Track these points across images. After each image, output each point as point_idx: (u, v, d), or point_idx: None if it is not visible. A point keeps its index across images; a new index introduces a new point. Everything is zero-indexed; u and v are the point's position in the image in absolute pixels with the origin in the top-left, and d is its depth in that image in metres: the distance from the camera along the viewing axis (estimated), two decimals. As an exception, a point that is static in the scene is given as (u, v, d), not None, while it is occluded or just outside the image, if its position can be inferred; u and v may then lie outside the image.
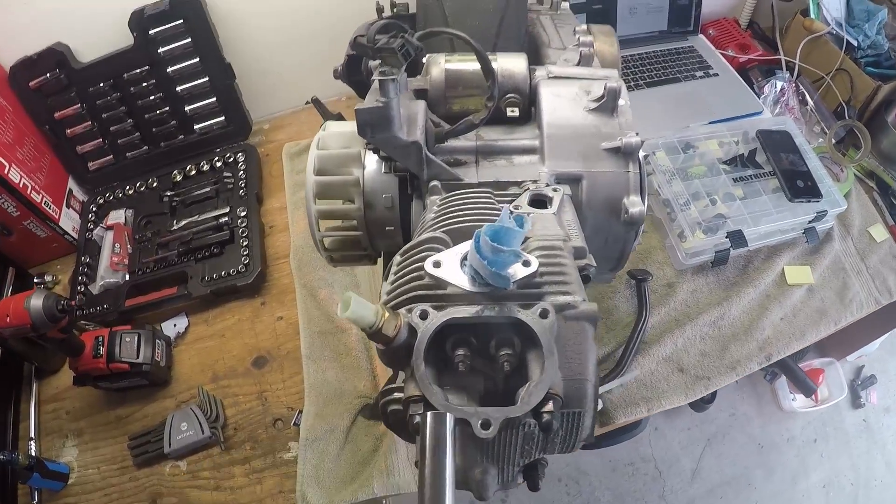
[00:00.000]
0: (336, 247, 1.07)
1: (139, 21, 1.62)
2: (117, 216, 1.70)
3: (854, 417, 3.04)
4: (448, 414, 0.58)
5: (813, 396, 2.85)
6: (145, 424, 1.45)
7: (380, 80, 0.81)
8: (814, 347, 2.95)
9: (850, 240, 1.74)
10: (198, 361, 1.53)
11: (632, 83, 1.95)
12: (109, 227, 1.68)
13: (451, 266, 0.67)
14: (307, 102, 1.94)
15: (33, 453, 1.44)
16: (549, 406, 0.60)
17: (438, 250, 0.71)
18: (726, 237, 1.55)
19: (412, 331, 0.62)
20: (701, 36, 2.15)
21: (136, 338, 1.44)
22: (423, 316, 0.62)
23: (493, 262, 0.61)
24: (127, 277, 1.62)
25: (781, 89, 1.97)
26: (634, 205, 0.93)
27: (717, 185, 1.65)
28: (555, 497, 2.74)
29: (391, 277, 0.74)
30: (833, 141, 1.90)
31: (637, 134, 0.94)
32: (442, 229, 0.76)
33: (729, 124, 1.82)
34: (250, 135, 1.90)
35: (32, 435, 1.47)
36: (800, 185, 1.65)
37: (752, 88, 2.00)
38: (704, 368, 1.50)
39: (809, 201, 1.63)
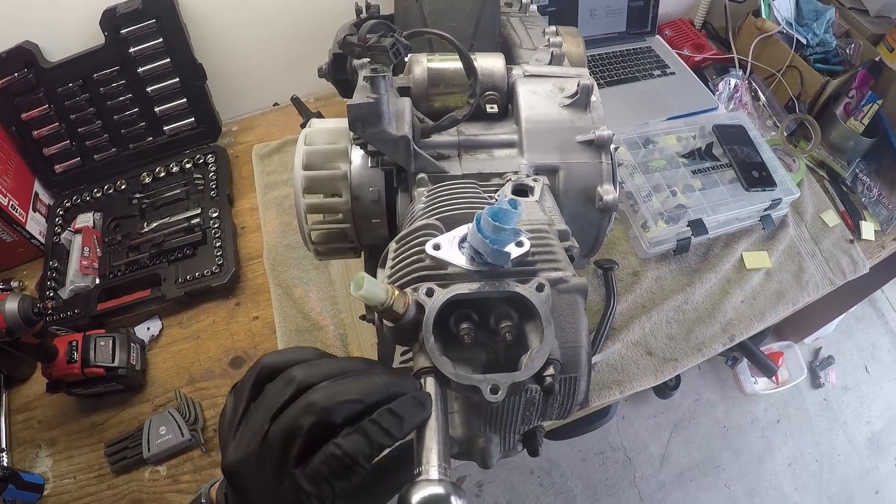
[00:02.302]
0: (322, 240, 1.09)
1: (111, 20, 1.62)
2: (85, 219, 1.69)
3: (814, 397, 3.20)
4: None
5: (774, 379, 2.98)
6: (121, 430, 1.43)
7: (371, 77, 0.85)
8: (772, 332, 3.10)
9: (803, 226, 1.83)
10: (173, 364, 1.52)
11: (593, 82, 1.99)
12: (77, 231, 1.66)
13: (449, 248, 0.71)
14: (275, 104, 1.99)
15: (5, 464, 1.40)
16: (550, 370, 0.64)
17: (434, 235, 0.75)
18: (687, 226, 1.61)
19: (420, 307, 0.65)
20: (658, 37, 2.23)
21: (110, 341, 1.42)
22: (430, 293, 0.66)
23: (494, 240, 0.65)
24: (97, 281, 1.60)
25: (735, 86, 2.06)
26: (608, 192, 0.98)
27: (676, 177, 1.72)
28: (528, 489, 2.79)
29: (389, 263, 0.78)
30: (785, 133, 1.98)
31: (607, 127, 0.99)
32: (434, 217, 0.80)
33: (686, 120, 1.89)
34: (220, 136, 1.90)
35: (4, 446, 1.43)
36: (755, 176, 1.73)
37: (708, 86, 2.08)
38: (672, 351, 1.57)
39: (764, 190, 1.71)
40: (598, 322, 1.54)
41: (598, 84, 2.01)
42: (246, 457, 0.57)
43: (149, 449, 1.35)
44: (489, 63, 1.05)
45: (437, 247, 0.71)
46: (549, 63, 1.13)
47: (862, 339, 3.44)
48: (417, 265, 0.72)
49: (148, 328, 1.57)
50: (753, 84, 2.10)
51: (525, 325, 0.68)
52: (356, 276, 0.61)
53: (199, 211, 1.69)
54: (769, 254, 1.75)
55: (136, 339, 1.51)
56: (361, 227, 1.05)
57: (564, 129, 1.00)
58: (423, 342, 0.64)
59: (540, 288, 0.67)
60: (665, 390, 2.92)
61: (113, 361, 1.40)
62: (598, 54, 2.10)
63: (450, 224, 0.77)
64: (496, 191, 0.91)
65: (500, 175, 0.96)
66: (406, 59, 1.07)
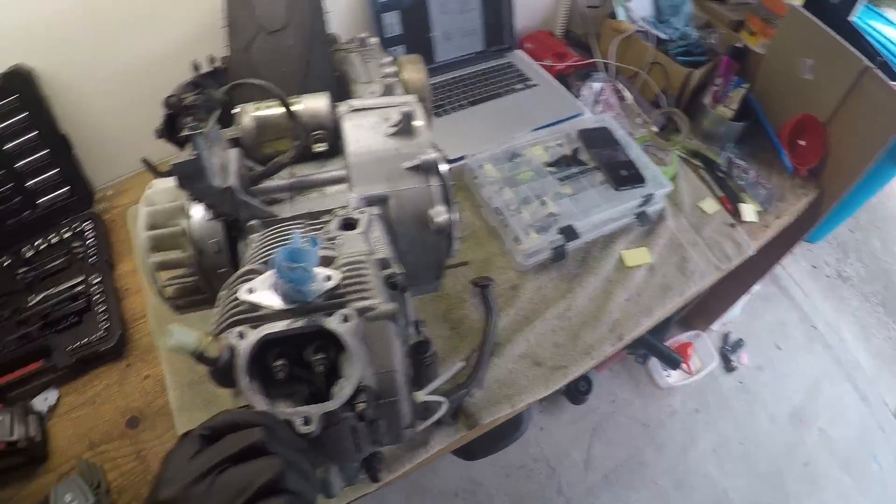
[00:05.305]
0: (178, 294, 1.11)
1: (-27, 100, 1.62)
2: (-28, 300, 1.67)
3: (730, 381, 3.25)
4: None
5: (686, 368, 3.02)
6: (30, 503, 1.42)
7: (189, 135, 0.88)
8: (679, 324, 3.15)
9: (682, 217, 1.87)
10: (73, 432, 1.51)
11: (456, 104, 2.05)
12: (-35, 312, 1.65)
13: (263, 290, 0.74)
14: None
15: None
16: (362, 397, 0.67)
17: (252, 279, 0.78)
18: (559, 233, 1.64)
19: (234, 351, 0.68)
20: (518, 51, 2.28)
21: (7, 416, 1.41)
22: (242, 336, 0.69)
23: (290, 279, 0.69)
24: (-10, 359, 1.59)
25: (600, 89, 2.11)
26: (439, 214, 1.01)
27: (545, 186, 1.76)
28: (456, 514, 2.78)
29: (216, 310, 0.80)
30: (654, 129, 2.04)
31: (437, 150, 1.03)
32: (259, 261, 0.83)
33: (551, 129, 1.93)
34: (94, 203, 1.91)
35: None
36: (623, 175, 1.77)
37: (572, 93, 2.13)
38: (560, 358, 1.57)
39: (634, 188, 1.75)
40: (481, 340, 1.56)
41: (462, 105, 2.05)
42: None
43: (55, 518, 1.35)
44: (313, 103, 1.08)
45: (251, 290, 0.74)
46: (382, 94, 1.17)
47: (770, 318, 3.51)
48: (233, 310, 0.75)
49: (45, 399, 1.55)
50: (618, 85, 2.16)
51: (340, 356, 0.72)
52: (168, 327, 0.63)
53: (81, 278, 1.69)
54: (649, 249, 1.77)
55: (34, 411, 1.50)
56: (211, 278, 1.06)
57: (390, 157, 1.03)
58: (238, 383, 0.67)
59: (345, 319, 0.71)
60: (577, 396, 2.96)
61: (12, 435, 1.39)
62: (459, 76, 2.15)
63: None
64: (322, 228, 0.94)
65: (329, 211, 0.99)
66: (236, 111, 1.10)
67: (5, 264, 1.77)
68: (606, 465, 2.94)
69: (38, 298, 1.67)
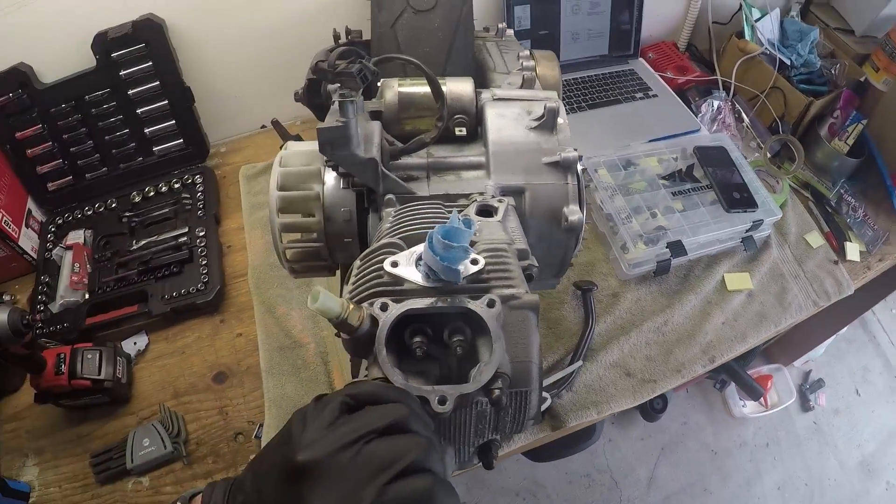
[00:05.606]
0: (297, 258, 1.12)
1: (102, 43, 1.65)
2: (76, 236, 1.72)
3: (804, 420, 3.16)
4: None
5: (763, 402, 2.95)
6: (107, 442, 1.45)
7: (340, 102, 0.88)
8: (761, 355, 3.08)
9: (787, 247, 1.82)
10: (158, 378, 1.54)
11: (575, 105, 2.03)
12: (69, 247, 1.69)
13: (407, 265, 0.74)
14: (263, 126, 2.02)
15: (-8, 472, 1.42)
16: (499, 383, 0.66)
17: (395, 254, 0.77)
18: (666, 247, 1.61)
19: (374, 321, 0.68)
20: (641, 59, 2.25)
21: (97, 355, 1.44)
22: (384, 308, 0.69)
23: (444, 257, 0.68)
24: (87, 296, 1.63)
25: (718, 108, 2.07)
26: (573, 213, 1.00)
27: (657, 199, 1.73)
28: (513, 513, 2.76)
29: (352, 279, 0.80)
30: (768, 155, 1.99)
31: (575, 149, 1.01)
32: (398, 236, 0.83)
33: (668, 142, 1.90)
34: (208, 157, 1.94)
35: (-9, 454, 1.45)
36: (736, 197, 1.73)
37: (690, 108, 2.09)
38: (651, 372, 1.56)
39: (745, 211, 1.71)
40: (577, 343, 1.55)
41: (581, 107, 2.04)
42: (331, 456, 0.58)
43: (132, 460, 1.37)
44: (458, 87, 1.08)
45: (395, 264, 0.74)
46: (521, 86, 1.16)
47: (853, 361, 3.41)
48: (376, 281, 0.75)
49: (135, 343, 1.59)
50: (737, 105, 2.11)
51: (478, 340, 0.71)
52: (313, 290, 0.63)
53: (186, 230, 1.72)
54: (751, 275, 1.74)
55: (122, 353, 1.53)
56: (335, 246, 1.07)
57: (531, 150, 1.02)
58: (376, 354, 0.67)
59: (490, 304, 0.70)
60: (652, 413, 2.91)
61: (99, 374, 1.42)
62: (581, 77, 2.13)
63: (413, 243, 0.80)
64: (461, 211, 0.94)
65: (466, 196, 0.99)
66: (378, 84, 1.10)
67: (112, 206, 1.81)
68: (669, 487, 2.90)
69: (141, 244, 1.71)
